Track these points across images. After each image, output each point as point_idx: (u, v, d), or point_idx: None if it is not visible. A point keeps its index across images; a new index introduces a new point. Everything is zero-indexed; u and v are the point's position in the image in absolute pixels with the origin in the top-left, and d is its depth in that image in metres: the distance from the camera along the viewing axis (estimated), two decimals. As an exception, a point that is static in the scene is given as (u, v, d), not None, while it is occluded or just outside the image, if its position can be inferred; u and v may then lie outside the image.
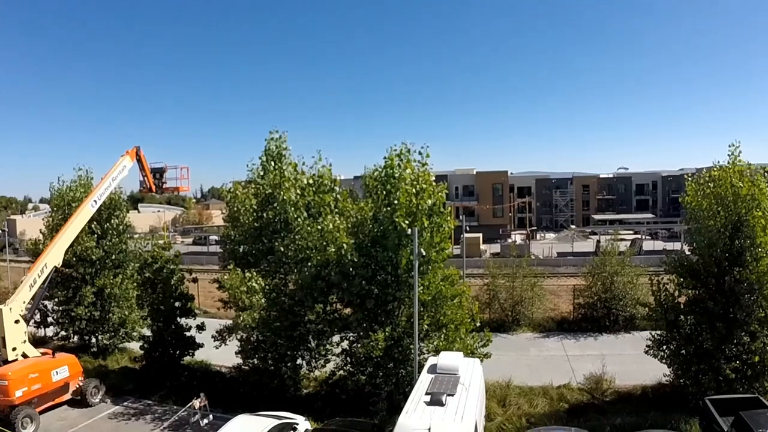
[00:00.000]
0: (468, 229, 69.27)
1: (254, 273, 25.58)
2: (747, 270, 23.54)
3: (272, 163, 28.44)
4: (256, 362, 26.59)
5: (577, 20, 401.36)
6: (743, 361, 23.68)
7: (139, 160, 33.72)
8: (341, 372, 25.92)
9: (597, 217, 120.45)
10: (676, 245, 72.75)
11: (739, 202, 24.06)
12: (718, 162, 25.91)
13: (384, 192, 23.37)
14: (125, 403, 28.00)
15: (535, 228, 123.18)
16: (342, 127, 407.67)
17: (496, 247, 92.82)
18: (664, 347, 26.40)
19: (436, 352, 22.22)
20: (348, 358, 25.33)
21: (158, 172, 35.22)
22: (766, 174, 25.39)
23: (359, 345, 23.84)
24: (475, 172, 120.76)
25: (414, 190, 23.16)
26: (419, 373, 20.24)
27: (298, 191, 27.06)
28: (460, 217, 74.62)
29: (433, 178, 24.29)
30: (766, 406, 21.42)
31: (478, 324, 25.25)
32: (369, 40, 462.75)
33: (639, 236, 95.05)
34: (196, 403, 23.19)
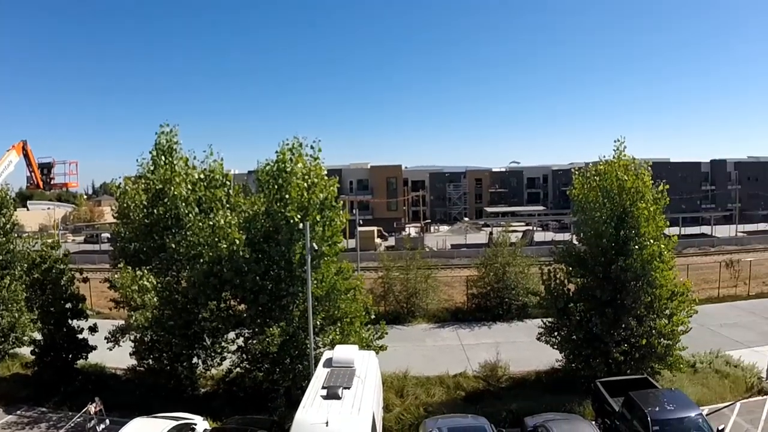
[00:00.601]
0: (361, 222, 69.69)
1: (146, 271, 24.86)
2: (632, 258, 24.61)
3: (163, 158, 27.54)
4: (151, 363, 25.91)
5: (482, 11, 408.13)
6: (631, 344, 24.85)
7: (26, 155, 32.31)
8: (238, 369, 25.58)
9: (490, 209, 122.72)
10: (566, 236, 75.05)
11: (624, 195, 25.18)
12: (604, 156, 26.97)
13: (276, 186, 23.15)
14: (18, 412, 26.56)
15: (430, 221, 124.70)
16: (237, 122, 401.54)
17: (390, 241, 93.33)
18: (556, 334, 27.40)
19: (332, 345, 22.13)
20: (244, 355, 25.00)
21: (46, 168, 33.82)
22: (649, 168, 26.59)
23: (255, 341, 23.53)
24: (369, 167, 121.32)
25: (306, 184, 23.05)
26: (315, 367, 20.14)
27: (189, 186, 26.48)
28: (354, 211, 74.85)
29: (325, 173, 24.22)
30: (653, 385, 22.64)
31: (373, 317, 25.35)
32: (253, 32, 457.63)
33: (530, 228, 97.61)
34: (92, 408, 22.33)
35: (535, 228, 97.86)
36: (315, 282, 22.77)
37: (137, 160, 28.35)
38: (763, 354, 30.20)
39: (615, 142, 26.63)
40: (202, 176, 27.32)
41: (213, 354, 26.34)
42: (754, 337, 35.45)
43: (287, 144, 23.91)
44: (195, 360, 25.97)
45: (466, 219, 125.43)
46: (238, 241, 23.14)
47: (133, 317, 23.95)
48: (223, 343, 26.27)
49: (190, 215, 25.84)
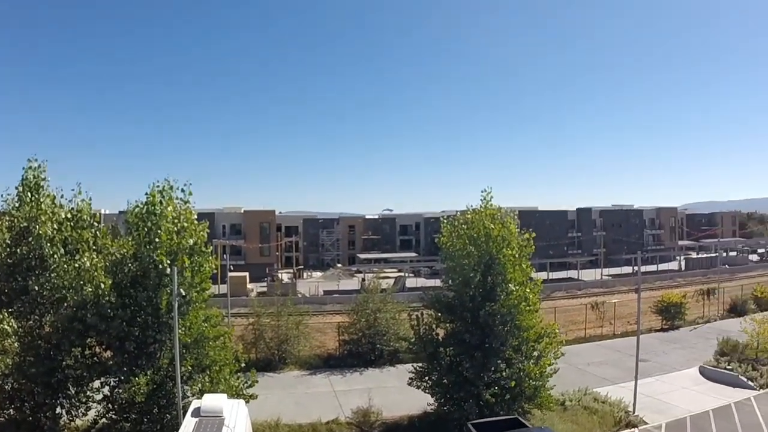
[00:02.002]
0: (232, 268, 68.43)
1: (6, 314, 23.47)
2: (499, 303, 25.40)
3: (29, 194, 26.12)
4: (12, 413, 24.23)
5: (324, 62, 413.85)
6: (501, 386, 25.38)
7: None
8: (104, 420, 24.30)
9: (363, 256, 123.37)
10: (437, 282, 75.99)
11: (491, 242, 26.02)
12: (472, 206, 27.82)
13: (145, 229, 22.50)
14: None
15: (303, 267, 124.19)
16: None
17: (263, 286, 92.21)
18: (427, 378, 27.72)
19: (201, 394, 21.51)
20: (110, 405, 23.75)
21: None
22: (516, 216, 27.63)
23: (121, 390, 22.54)
24: (242, 211, 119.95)
25: (176, 228, 22.53)
26: (184, 417, 19.50)
27: (55, 226, 25.16)
28: (226, 255, 73.64)
29: (196, 216, 23.74)
30: (525, 425, 23.21)
31: (243, 364, 24.81)
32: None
33: (402, 274, 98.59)
34: None
35: (406, 274, 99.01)
36: (183, 329, 22.16)
37: (1, 196, 26.82)
38: (628, 389, 31.51)
39: (482, 192, 27.60)
40: (69, 215, 26.06)
41: (78, 403, 24.80)
42: (619, 374, 37.05)
43: (158, 186, 23.31)
44: (59, 410, 24.41)
45: (339, 265, 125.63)
46: (103, 285, 22.29)
47: (-8, 364, 22.54)
48: (88, 392, 24.85)
49: (55, 256, 24.52)
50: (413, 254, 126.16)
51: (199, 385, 22.95)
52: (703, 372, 38.12)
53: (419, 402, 28.93)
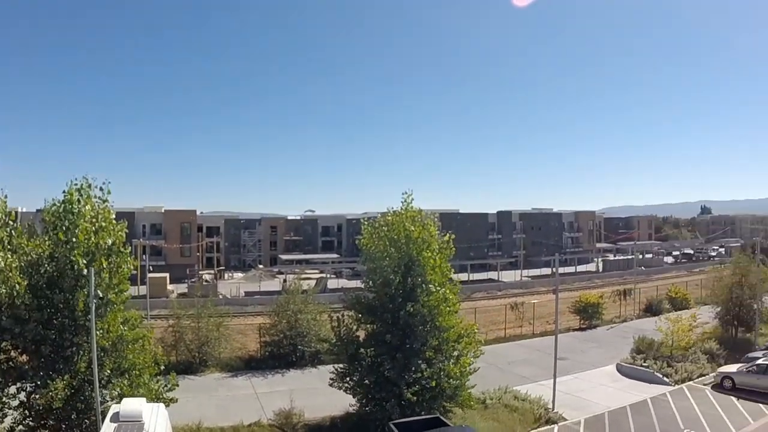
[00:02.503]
0: (151, 269, 67.30)
1: None
2: (419, 304, 25.61)
3: (-59, 194, 25.09)
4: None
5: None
6: (422, 385, 25.60)
7: None
8: (21, 427, 23.48)
9: (284, 257, 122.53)
10: (359, 283, 75.91)
11: (411, 244, 26.34)
12: (392, 208, 28.03)
13: (62, 228, 21.87)
14: None
15: (224, 268, 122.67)
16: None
17: (183, 287, 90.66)
18: (348, 379, 27.84)
19: (120, 399, 21.07)
20: (27, 411, 22.96)
21: None
22: (436, 219, 27.98)
23: (38, 396, 21.82)
24: (163, 210, 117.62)
25: (94, 227, 21.95)
26: (103, 422, 19.08)
27: (-31, 224, 24.31)
28: (145, 256, 72.18)
29: (114, 216, 23.17)
30: (446, 424, 23.66)
31: (163, 367, 24.36)
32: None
33: (324, 275, 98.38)
34: None
35: (328, 275, 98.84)
36: (101, 332, 21.63)
37: None
38: (548, 387, 32.42)
39: (403, 194, 27.85)
40: (-18, 214, 25.15)
41: (-7, 410, 24.08)
42: (539, 372, 37.94)
43: (75, 184, 22.66)
44: (-28, 417, 23.63)
45: (261, 266, 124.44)
46: (18, 286, 21.57)
47: None
48: (4, 398, 24.02)
49: (-32, 257, 23.71)
50: (335, 255, 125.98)
51: (118, 389, 22.41)
52: (620, 369, 39.43)
53: (341, 403, 29.02)
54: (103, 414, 20.30)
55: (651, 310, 62.06)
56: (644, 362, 39.15)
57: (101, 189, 23.15)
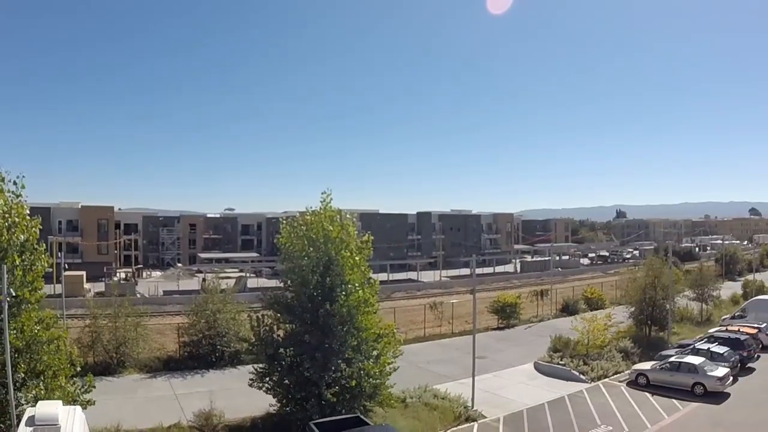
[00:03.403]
0: (67, 266, 65.44)
1: None
2: (338, 304, 25.64)
3: None
4: None
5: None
6: (342, 385, 25.60)
7: None
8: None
9: (204, 255, 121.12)
10: (279, 282, 75.51)
11: (330, 244, 26.45)
12: (311, 207, 28.00)
13: (-27, 224, 21.05)
14: None
15: (142, 266, 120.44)
16: None
17: (101, 286, 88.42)
18: (268, 379, 27.64)
19: (36, 402, 20.38)
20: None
21: None
22: (356, 219, 28.09)
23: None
24: (80, 206, 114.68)
25: (6, 223, 21.16)
26: (18, 427, 18.44)
27: None
28: (61, 253, 70.16)
29: (28, 211, 22.41)
30: (366, 423, 23.77)
31: (79, 369, 23.66)
32: None
33: (244, 274, 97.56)
34: None
35: (248, 275, 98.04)
36: (14, 332, 20.86)
37: None
38: (467, 385, 32.66)
39: (322, 194, 27.88)
40: None
41: None
42: (458, 371, 38.22)
43: (-14, 179, 21.88)
44: None
45: (180, 265, 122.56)
46: None
47: None
48: None
49: None
50: (255, 254, 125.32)
51: (34, 391, 21.66)
52: (537, 367, 40.18)
53: (262, 403, 28.77)
54: (18, 417, 19.63)
55: (567, 310, 63.48)
56: (561, 360, 40.00)
57: (15, 183, 22.36)
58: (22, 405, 21.14)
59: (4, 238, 20.87)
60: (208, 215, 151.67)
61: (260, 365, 28.16)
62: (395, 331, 28.98)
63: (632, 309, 51.36)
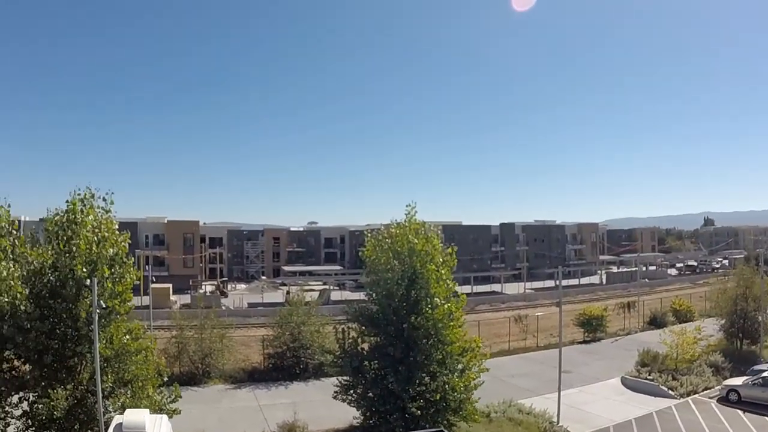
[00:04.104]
0: (154, 279, 66.93)
1: None
2: (423, 317, 25.34)
3: (-55, 202, 24.91)
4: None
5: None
6: (426, 399, 25.33)
7: None
8: (23, 437, 23.38)
9: (287, 268, 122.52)
10: (363, 295, 75.53)
11: (415, 257, 26.11)
12: (396, 220, 27.85)
13: (64, 238, 21.77)
14: None
15: (227, 279, 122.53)
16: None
17: (186, 298, 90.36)
18: (352, 391, 27.51)
19: (123, 410, 20.89)
20: (29, 421, 22.72)
21: None
22: (440, 231, 27.80)
23: (40, 406, 21.65)
24: (166, 221, 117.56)
25: (96, 237, 21.82)
26: (105, 433, 18.90)
27: (-28, 233, 24.13)
28: (148, 266, 71.94)
29: (117, 226, 23.08)
30: None
31: (166, 378, 24.19)
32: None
33: (327, 287, 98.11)
34: None
35: (331, 287, 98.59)
36: (104, 342, 21.48)
37: None
38: (552, 400, 32.01)
39: (407, 206, 27.71)
40: (-15, 223, 24.95)
41: (-5, 419, 23.84)
42: (543, 386, 37.61)
43: (79, 194, 22.62)
44: (-26, 426, 23.38)
45: (264, 278, 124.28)
46: (20, 296, 21.41)
47: None
48: (6, 408, 23.79)
49: (-29, 265, 23.49)
50: (338, 267, 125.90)
51: (121, 400, 22.26)
52: (624, 382, 39.10)
53: (345, 415, 28.77)
54: (106, 425, 20.14)
55: (655, 322, 61.70)
56: (649, 375, 38.85)
57: (104, 199, 23.10)
58: (110, 413, 21.70)
59: (93, 251, 21.50)
60: (292, 229, 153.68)
61: (345, 378, 28.13)
62: (480, 345, 28.57)
63: (722, 321, 49.56)
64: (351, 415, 28.40)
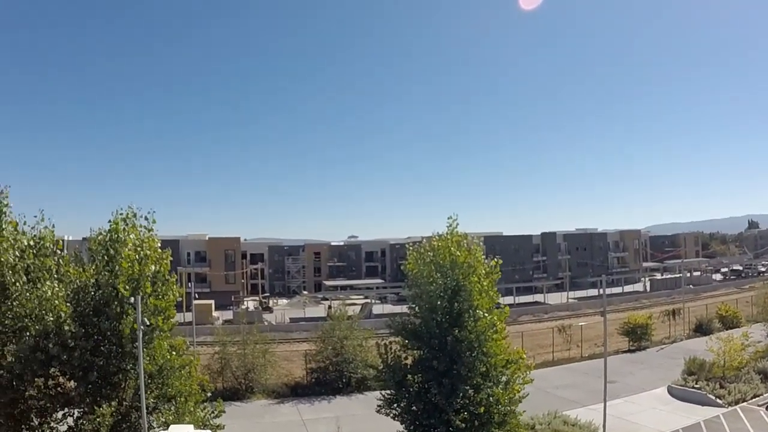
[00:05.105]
0: (197, 296, 67.74)
1: (-34, 344, 22.78)
2: (466, 330, 25.16)
3: (-10, 222, 25.47)
4: (-26, 445, 23.54)
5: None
6: (470, 412, 25.10)
7: None
8: (69, 452, 23.74)
9: (329, 283, 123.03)
10: (405, 308, 75.59)
11: (457, 269, 25.89)
12: (438, 232, 27.77)
13: (107, 257, 22.12)
14: None
15: (268, 294, 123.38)
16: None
17: (228, 314, 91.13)
18: (395, 405, 27.35)
19: (166, 425, 21.08)
20: (75, 437, 23.26)
21: None
22: (482, 243, 27.64)
23: (85, 422, 21.98)
24: (207, 238, 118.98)
25: (138, 256, 22.12)
26: (149, 448, 19.09)
27: (17, 253, 24.53)
28: (191, 283, 72.72)
29: (159, 244, 23.35)
30: None
31: (209, 394, 24.39)
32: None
33: (369, 301, 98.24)
34: None
35: (373, 301, 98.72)
36: (147, 358, 21.70)
37: None
38: (598, 411, 31.49)
39: (448, 218, 27.55)
40: (31, 243, 25.38)
41: (42, 434, 24.24)
42: (587, 396, 37.26)
43: (121, 213, 23.00)
44: (22, 441, 23.81)
45: (305, 292, 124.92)
46: (64, 314, 21.78)
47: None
48: (52, 423, 24.11)
49: (17, 284, 23.80)
50: (379, 281, 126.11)
51: (165, 415, 22.47)
52: (671, 392, 38.44)
53: (389, 429, 28.63)
54: (150, 440, 20.34)
55: (701, 329, 60.42)
56: (696, 384, 38.14)
57: (146, 218, 23.38)
58: (154, 428, 21.90)
59: (136, 269, 21.78)
60: (332, 243, 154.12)
61: (388, 391, 28.04)
62: (524, 356, 28.31)
63: (770, 326, 48.65)
64: (395, 428, 28.25)
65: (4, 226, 25.08)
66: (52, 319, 21.81)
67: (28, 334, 22.36)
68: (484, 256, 27.35)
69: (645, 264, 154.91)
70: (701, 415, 33.62)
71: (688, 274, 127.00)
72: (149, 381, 21.85)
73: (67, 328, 21.46)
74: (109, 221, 22.78)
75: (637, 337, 54.90)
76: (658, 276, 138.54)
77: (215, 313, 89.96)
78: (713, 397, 35.92)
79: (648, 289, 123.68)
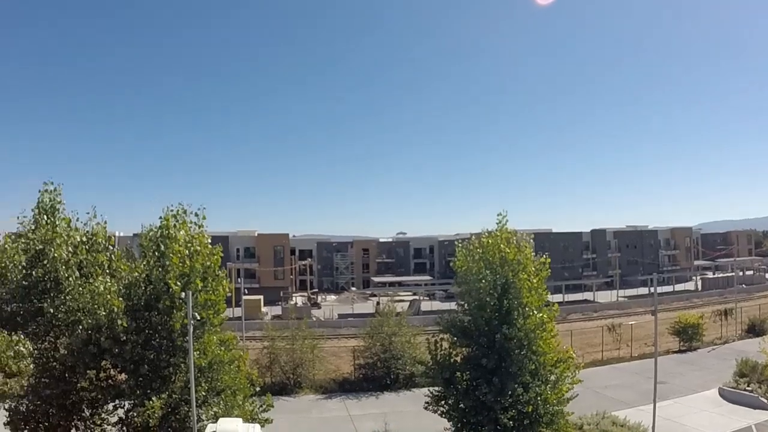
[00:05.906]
0: (246, 291, 68.31)
1: (21, 336, 23.32)
2: (515, 327, 24.93)
3: (45, 217, 25.95)
4: (27, 434, 24.11)
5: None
6: (519, 410, 24.90)
7: None
8: (119, 443, 24.16)
9: (377, 279, 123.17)
10: (453, 305, 75.31)
11: (506, 266, 25.71)
12: (487, 229, 27.56)
13: (158, 253, 22.42)
14: None
15: (317, 290, 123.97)
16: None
17: (277, 309, 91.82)
18: (443, 402, 27.26)
19: (216, 419, 21.32)
20: (125, 428, 23.47)
21: None
22: (531, 240, 27.36)
23: (135, 413, 22.33)
24: (256, 234, 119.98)
25: (188, 251, 22.39)
26: (199, 441, 19.32)
27: (71, 249, 25.05)
28: (240, 279, 73.39)
29: (209, 240, 23.61)
30: None
31: (258, 388, 24.61)
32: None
33: (417, 297, 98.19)
34: None
35: (421, 298, 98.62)
36: (197, 352, 21.95)
37: (18, 218, 26.68)
38: (647, 412, 31.02)
39: (498, 215, 27.33)
40: (84, 239, 25.93)
41: (92, 426, 24.50)
42: (637, 397, 36.80)
43: (171, 210, 23.28)
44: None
45: (354, 289, 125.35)
46: (116, 309, 22.15)
47: (8, 385, 22.44)
48: (103, 415, 24.64)
49: (70, 279, 24.34)
50: (428, 277, 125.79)
51: (214, 409, 22.70)
52: (722, 394, 37.66)
53: (436, 426, 28.64)
54: (199, 433, 20.58)
55: (754, 330, 59.19)
56: (748, 386, 37.28)
57: (196, 215, 23.66)
58: (203, 421, 22.17)
59: (186, 265, 22.06)
60: (381, 240, 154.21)
61: (436, 389, 27.96)
62: (573, 355, 27.98)
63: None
64: (442, 425, 28.23)
65: (57, 223, 25.75)
66: (104, 313, 22.23)
67: (80, 327, 22.87)
68: (533, 254, 27.10)
69: (696, 262, 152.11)
70: (753, 418, 32.92)
71: (741, 273, 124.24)
72: (199, 375, 22.10)
73: (119, 322, 21.85)
74: (160, 218, 23.09)
75: (688, 337, 53.90)
76: (710, 275, 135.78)
77: (264, 309, 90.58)
78: (765, 401, 35.10)
79: (699, 288, 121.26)
